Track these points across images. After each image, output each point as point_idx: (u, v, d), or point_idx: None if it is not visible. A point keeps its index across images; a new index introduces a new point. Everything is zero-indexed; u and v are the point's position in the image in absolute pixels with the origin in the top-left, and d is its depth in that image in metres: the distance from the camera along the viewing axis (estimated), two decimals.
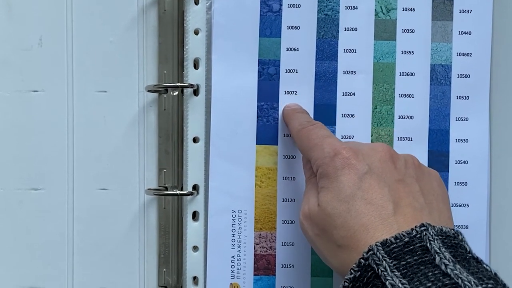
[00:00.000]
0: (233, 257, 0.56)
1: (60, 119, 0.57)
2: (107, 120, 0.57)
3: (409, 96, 0.57)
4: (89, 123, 0.57)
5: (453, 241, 0.43)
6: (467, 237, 0.56)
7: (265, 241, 0.56)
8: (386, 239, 0.42)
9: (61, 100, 0.57)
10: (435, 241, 0.42)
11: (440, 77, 0.57)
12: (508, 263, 0.57)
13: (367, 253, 0.42)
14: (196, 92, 0.56)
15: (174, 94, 0.57)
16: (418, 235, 0.42)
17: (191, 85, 0.55)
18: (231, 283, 0.56)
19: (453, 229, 0.44)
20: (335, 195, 0.46)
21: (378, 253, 0.41)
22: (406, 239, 0.42)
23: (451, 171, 0.57)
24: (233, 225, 0.56)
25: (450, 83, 0.57)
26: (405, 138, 0.57)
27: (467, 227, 0.57)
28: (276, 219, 0.56)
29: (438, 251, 0.41)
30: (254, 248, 0.56)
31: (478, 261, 0.42)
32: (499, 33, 0.57)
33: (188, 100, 0.56)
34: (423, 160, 0.56)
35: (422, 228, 0.42)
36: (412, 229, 0.42)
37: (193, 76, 0.56)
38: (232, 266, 0.56)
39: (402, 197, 0.45)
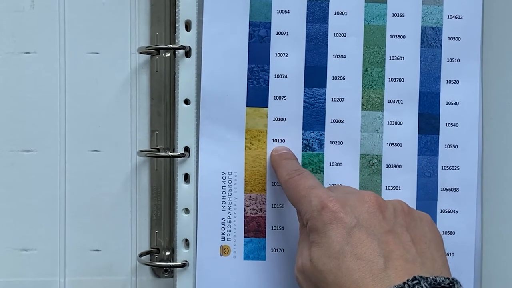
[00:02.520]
0: (223, 219, 0.56)
1: (52, 81, 0.57)
2: (99, 82, 0.57)
3: (399, 58, 0.57)
4: (81, 84, 0.57)
5: None
6: (458, 200, 0.56)
7: (255, 203, 0.56)
8: None
9: (53, 62, 0.57)
10: None
11: (431, 39, 0.57)
12: (500, 226, 0.57)
13: None
14: (187, 54, 0.56)
15: (166, 55, 0.57)
16: None
17: (183, 47, 0.55)
18: (221, 245, 0.56)
19: (448, 278, 0.42)
20: (325, 250, 0.45)
21: None
22: None
23: (442, 133, 0.57)
24: (223, 187, 0.56)
25: (441, 45, 0.57)
26: (396, 101, 0.57)
27: (457, 189, 0.57)
28: (266, 181, 0.56)
29: None
30: (245, 210, 0.56)
31: None
32: None
33: (179, 61, 0.56)
34: (414, 122, 0.56)
35: (414, 282, 0.41)
36: (404, 283, 0.41)
37: (185, 38, 0.56)
38: (223, 229, 0.56)
39: (392, 250, 0.44)
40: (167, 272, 0.57)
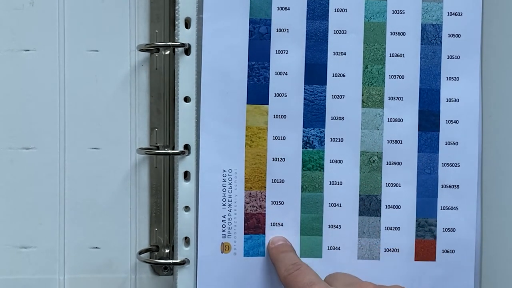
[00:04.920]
0: (224, 216, 0.56)
1: (51, 78, 0.57)
2: (99, 79, 0.57)
3: (399, 55, 0.57)
4: (81, 82, 0.57)
5: None
6: (458, 197, 0.56)
7: (255, 200, 0.56)
8: None
9: (52, 59, 0.57)
10: None
11: (431, 36, 0.57)
12: (499, 222, 0.57)
13: None
14: (187, 52, 0.56)
15: (166, 53, 0.57)
16: None
17: (182, 44, 0.55)
18: (222, 243, 0.56)
19: None
20: None
21: None
22: None
23: (442, 130, 0.57)
24: (224, 185, 0.56)
25: (441, 42, 0.57)
26: (396, 98, 0.57)
27: (458, 186, 0.57)
28: (266, 178, 0.56)
29: None
30: (245, 207, 0.56)
31: None
32: None
33: (179, 59, 0.56)
34: (414, 120, 0.56)
35: None
36: None
37: (185, 36, 0.56)
38: (223, 226, 0.56)
39: None
40: (166, 270, 0.57)
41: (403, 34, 0.57)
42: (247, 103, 0.56)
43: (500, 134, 0.57)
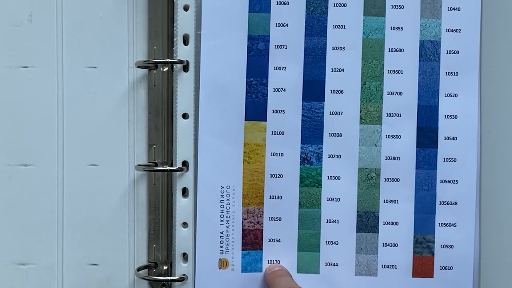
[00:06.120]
0: (221, 232, 0.56)
1: (50, 95, 0.57)
2: (97, 96, 0.57)
3: (398, 72, 0.57)
4: (79, 99, 0.57)
5: None
6: (456, 213, 0.56)
7: (253, 216, 0.56)
8: None
9: (51, 76, 0.57)
10: None
11: (429, 53, 0.57)
12: (498, 239, 0.57)
13: None
14: (185, 68, 0.56)
15: (164, 70, 0.57)
16: None
17: (180, 61, 0.55)
18: (220, 259, 0.56)
19: None
20: None
21: None
22: None
23: (440, 147, 0.57)
24: (222, 201, 0.56)
25: (439, 59, 0.57)
26: (394, 114, 0.57)
27: (456, 203, 0.56)
28: (263, 195, 0.56)
29: None
30: (242, 223, 0.56)
31: None
32: (488, 8, 0.57)
33: (177, 76, 0.56)
34: (412, 136, 0.56)
35: None
36: None
37: (183, 52, 0.56)
38: (221, 242, 0.56)
39: None
40: (164, 286, 0.57)
41: (401, 50, 0.57)
42: (245, 120, 0.56)
43: (499, 151, 0.57)
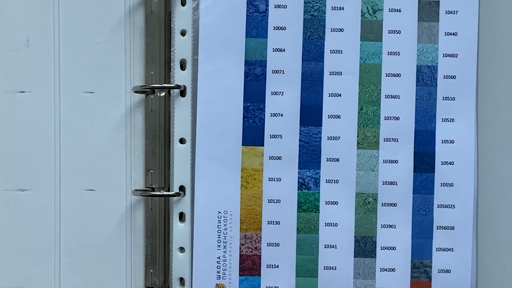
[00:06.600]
0: (219, 257, 0.56)
1: (47, 120, 0.57)
2: (94, 121, 0.57)
3: (395, 97, 0.57)
4: (76, 124, 0.57)
5: None
6: (453, 238, 0.56)
7: (251, 242, 0.56)
8: None
9: (48, 101, 0.57)
10: None
11: (426, 78, 0.57)
12: (495, 264, 0.57)
13: None
14: (182, 93, 0.56)
15: (161, 95, 0.57)
16: None
17: (177, 86, 0.55)
18: (217, 284, 0.56)
19: None
20: None
21: None
22: None
23: (437, 172, 0.57)
24: (219, 226, 0.56)
25: (436, 84, 0.57)
26: (391, 139, 0.57)
27: (453, 228, 0.56)
28: (261, 220, 0.56)
29: None
30: (240, 249, 0.56)
31: None
32: (485, 34, 0.57)
33: (175, 101, 0.56)
34: (409, 161, 0.56)
35: None
36: None
37: (180, 77, 0.56)
38: (218, 267, 0.56)
39: None
40: None
41: (398, 75, 0.57)
42: (243, 145, 0.56)
43: (496, 176, 0.57)
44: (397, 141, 0.57)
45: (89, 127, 0.57)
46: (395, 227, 0.57)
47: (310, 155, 0.56)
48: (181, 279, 0.56)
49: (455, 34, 0.57)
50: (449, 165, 0.57)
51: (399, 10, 0.56)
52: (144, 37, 0.57)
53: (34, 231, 0.57)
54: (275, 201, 0.56)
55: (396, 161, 0.57)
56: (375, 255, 0.57)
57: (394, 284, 0.56)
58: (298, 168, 0.56)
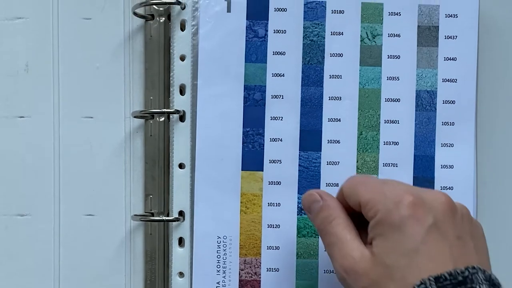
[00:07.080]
0: (218, 283, 0.56)
1: (46, 145, 0.57)
2: (93, 146, 0.57)
3: (394, 122, 0.57)
4: (75, 149, 0.57)
5: None
6: None
7: (250, 267, 0.56)
8: (440, 274, 0.41)
9: (47, 126, 0.57)
10: (483, 285, 0.41)
11: (426, 103, 0.57)
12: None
13: (418, 286, 0.41)
14: (182, 118, 0.56)
15: (160, 120, 0.57)
16: (470, 277, 0.41)
17: (177, 111, 0.55)
18: None
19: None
20: (396, 246, 0.43)
21: (430, 287, 0.41)
22: (460, 278, 0.41)
23: None
24: (218, 251, 0.56)
25: (436, 109, 0.57)
26: (391, 164, 0.57)
27: None
28: (261, 245, 0.56)
29: None
30: (239, 274, 0.56)
31: None
32: (484, 59, 0.57)
33: (174, 126, 0.56)
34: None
35: (473, 271, 0.42)
36: (465, 268, 0.42)
37: (179, 102, 0.56)
38: None
39: (459, 256, 0.43)
40: None
41: (397, 100, 0.57)
42: (242, 170, 0.56)
43: (495, 201, 0.57)
44: (397, 166, 0.57)
45: (89, 152, 0.57)
46: None
47: (309, 180, 0.56)
48: None
49: (454, 59, 0.57)
50: (448, 190, 0.57)
51: (398, 35, 0.57)
52: (144, 62, 0.57)
53: (33, 256, 0.57)
54: (274, 226, 0.56)
55: None
56: None
57: None
58: (298, 193, 0.56)
